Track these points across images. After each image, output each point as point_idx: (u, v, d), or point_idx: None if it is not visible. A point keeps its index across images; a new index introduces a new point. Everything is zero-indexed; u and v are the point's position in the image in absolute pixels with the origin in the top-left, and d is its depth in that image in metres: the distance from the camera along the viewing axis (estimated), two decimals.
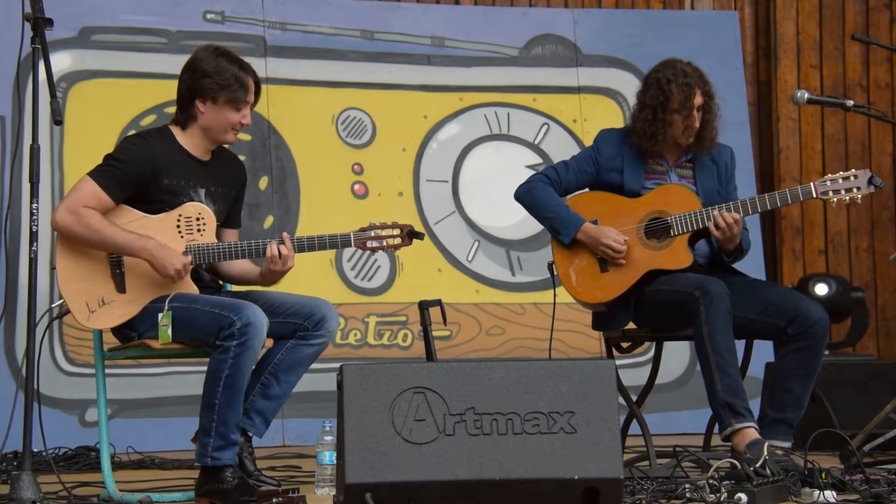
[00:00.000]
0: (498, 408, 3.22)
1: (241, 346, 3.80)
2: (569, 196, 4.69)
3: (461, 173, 7.00)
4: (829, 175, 4.40)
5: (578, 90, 7.20)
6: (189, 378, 5.87)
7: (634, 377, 5.72)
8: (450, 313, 4.75)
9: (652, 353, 4.87)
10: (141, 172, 4.00)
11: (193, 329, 3.90)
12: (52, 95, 3.83)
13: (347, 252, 6.65)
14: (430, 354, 4.53)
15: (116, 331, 4.07)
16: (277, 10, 6.85)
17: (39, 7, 3.92)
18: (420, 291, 5.45)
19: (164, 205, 4.04)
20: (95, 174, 3.98)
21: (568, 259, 4.60)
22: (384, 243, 4.11)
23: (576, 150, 5.60)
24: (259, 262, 4.16)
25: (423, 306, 4.58)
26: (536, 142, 7.12)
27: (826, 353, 4.68)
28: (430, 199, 6.90)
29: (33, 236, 3.84)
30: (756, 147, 7.46)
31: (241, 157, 4.46)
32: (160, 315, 3.92)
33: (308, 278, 5.85)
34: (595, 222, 4.56)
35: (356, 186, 6.81)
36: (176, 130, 4.15)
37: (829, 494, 3.59)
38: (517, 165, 6.93)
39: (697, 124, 4.56)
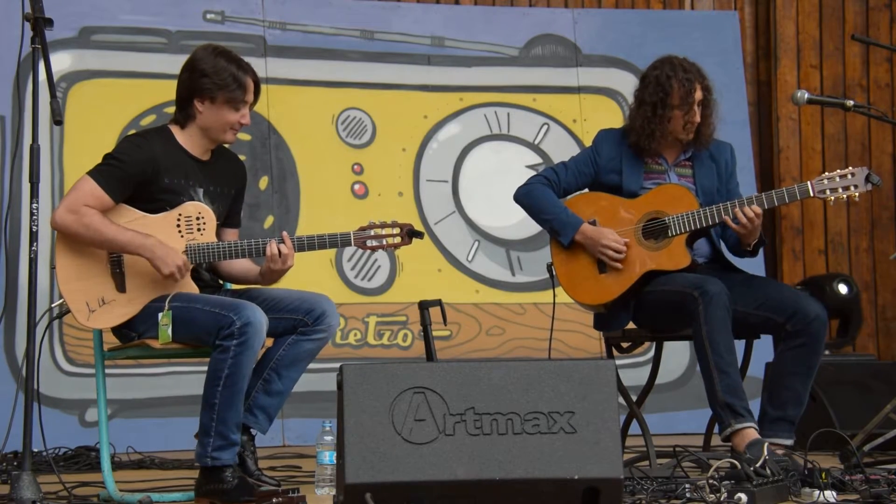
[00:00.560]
0: (498, 408, 3.21)
1: (240, 346, 3.80)
2: (567, 197, 4.69)
3: (461, 173, 7.00)
4: (826, 173, 4.39)
5: (578, 90, 7.20)
6: (189, 378, 5.87)
7: (634, 377, 5.73)
8: (450, 313, 4.75)
9: (652, 353, 4.87)
10: (141, 172, 3.99)
11: (193, 329, 3.90)
12: (52, 95, 3.83)
13: (347, 252, 6.65)
14: (430, 354, 4.53)
15: (116, 330, 4.07)
16: (277, 10, 6.85)
17: (39, 7, 3.92)
18: (420, 291, 5.45)
19: (164, 204, 4.04)
20: (95, 173, 3.98)
21: (567, 260, 4.60)
22: (384, 242, 4.11)
23: (576, 151, 5.61)
24: (259, 261, 4.16)
25: (423, 306, 4.58)
26: (536, 142, 7.11)
27: (826, 353, 4.68)
28: (430, 199, 6.90)
29: (33, 236, 3.83)
30: (756, 147, 7.45)
31: (241, 157, 4.45)
32: (160, 314, 3.92)
33: (308, 278, 5.83)
34: (593, 223, 4.55)
35: (356, 186, 6.81)
36: (175, 130, 4.14)
37: (829, 494, 3.59)
38: (517, 165, 6.92)
39: (698, 119, 4.55)
